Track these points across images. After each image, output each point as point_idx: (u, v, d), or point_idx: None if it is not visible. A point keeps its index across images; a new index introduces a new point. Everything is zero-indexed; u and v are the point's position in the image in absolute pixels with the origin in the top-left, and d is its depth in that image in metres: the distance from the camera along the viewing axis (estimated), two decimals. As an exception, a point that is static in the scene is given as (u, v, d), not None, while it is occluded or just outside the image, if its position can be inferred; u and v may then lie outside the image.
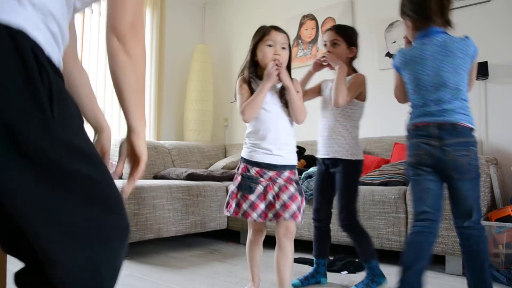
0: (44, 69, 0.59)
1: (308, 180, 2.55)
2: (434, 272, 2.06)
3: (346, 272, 2.15)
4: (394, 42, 3.27)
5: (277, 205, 1.54)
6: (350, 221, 1.84)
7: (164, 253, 2.61)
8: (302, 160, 3.09)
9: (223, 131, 4.54)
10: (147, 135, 4.07)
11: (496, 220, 2.12)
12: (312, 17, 3.84)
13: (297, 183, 1.62)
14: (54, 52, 0.64)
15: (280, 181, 1.57)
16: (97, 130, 1.03)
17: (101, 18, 3.73)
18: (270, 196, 1.56)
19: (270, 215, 1.56)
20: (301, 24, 3.91)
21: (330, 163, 1.88)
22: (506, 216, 2.11)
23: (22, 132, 0.56)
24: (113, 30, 0.73)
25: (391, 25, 3.30)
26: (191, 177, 3.00)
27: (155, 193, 2.53)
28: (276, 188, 1.57)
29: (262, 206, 1.56)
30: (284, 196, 1.55)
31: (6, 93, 0.56)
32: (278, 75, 1.56)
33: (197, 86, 4.26)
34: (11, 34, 0.57)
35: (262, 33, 1.62)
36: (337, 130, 1.86)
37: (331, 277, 2.01)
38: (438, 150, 1.43)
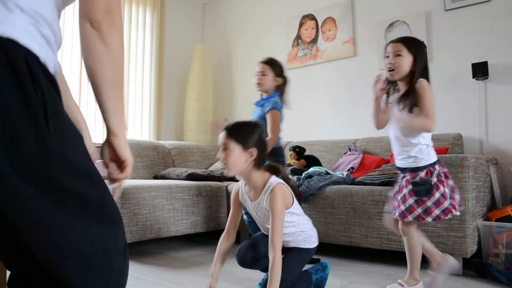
0: (37, 82, 0.56)
1: (308, 180, 2.55)
2: (434, 272, 2.06)
3: None
4: (394, 42, 3.27)
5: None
6: None
7: (164, 253, 2.61)
8: (302, 160, 3.09)
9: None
10: (147, 135, 4.07)
11: (496, 220, 2.13)
12: (312, 17, 3.84)
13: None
14: (50, 58, 0.61)
15: None
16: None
17: (101, 18, 3.73)
18: None
19: None
20: (301, 24, 3.91)
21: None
22: (506, 216, 2.12)
23: (19, 148, 0.54)
24: (86, 16, 0.66)
25: (391, 25, 3.30)
26: (191, 177, 3.00)
27: (155, 193, 2.53)
28: None
29: None
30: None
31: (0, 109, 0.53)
32: None
33: (197, 86, 4.26)
34: (0, 44, 0.53)
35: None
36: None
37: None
38: None
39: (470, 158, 2.03)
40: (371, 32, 3.43)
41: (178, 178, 3.05)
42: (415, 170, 1.69)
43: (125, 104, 3.86)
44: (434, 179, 1.65)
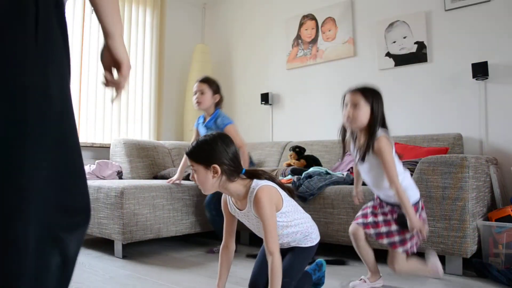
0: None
1: (308, 180, 2.55)
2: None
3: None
4: (394, 42, 3.27)
5: None
6: None
7: (164, 253, 2.61)
8: (302, 160, 3.09)
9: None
10: (147, 135, 4.07)
11: (496, 220, 2.13)
12: (312, 17, 3.84)
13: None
14: None
15: None
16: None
17: (101, 18, 3.73)
18: None
19: None
20: (301, 24, 3.91)
21: None
22: (506, 216, 2.12)
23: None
24: None
25: (391, 25, 3.30)
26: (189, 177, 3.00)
27: (155, 193, 2.53)
28: None
29: None
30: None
31: None
32: None
33: (197, 86, 4.26)
34: None
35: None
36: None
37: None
38: None
39: (470, 158, 2.03)
40: (371, 32, 3.43)
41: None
42: (398, 205, 1.72)
43: (125, 104, 3.86)
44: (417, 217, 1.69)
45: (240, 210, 1.55)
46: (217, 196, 2.20)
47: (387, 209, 1.77)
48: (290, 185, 2.64)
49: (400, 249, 1.69)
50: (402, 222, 1.67)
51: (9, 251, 0.61)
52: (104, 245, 2.75)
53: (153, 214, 2.49)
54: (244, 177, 1.52)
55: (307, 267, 1.77)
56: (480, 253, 2.10)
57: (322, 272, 1.81)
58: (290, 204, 1.57)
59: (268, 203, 1.45)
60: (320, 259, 1.85)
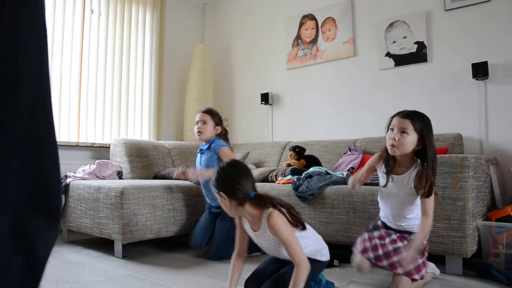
0: None
1: (308, 180, 2.55)
2: (434, 272, 2.06)
3: (337, 261, 2.22)
4: (394, 42, 3.28)
5: None
6: None
7: (164, 253, 2.61)
8: (302, 160, 3.09)
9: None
10: (147, 135, 4.07)
11: (496, 220, 2.12)
12: (312, 17, 3.84)
13: None
14: None
15: None
16: None
17: (101, 18, 3.73)
18: None
19: None
20: (301, 24, 3.91)
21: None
22: (506, 216, 2.12)
23: None
24: None
25: (391, 25, 3.30)
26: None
27: (155, 193, 2.53)
28: None
29: None
30: None
31: None
32: None
33: (197, 86, 4.26)
34: None
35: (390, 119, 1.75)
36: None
37: (324, 270, 2.01)
38: None
39: (470, 158, 2.03)
40: (371, 32, 3.43)
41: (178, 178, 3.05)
42: (410, 233, 1.75)
43: (125, 104, 3.86)
44: (425, 241, 1.73)
45: (253, 231, 1.59)
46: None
47: (395, 236, 1.76)
48: (290, 185, 2.64)
49: (417, 276, 1.66)
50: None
51: None
52: (104, 245, 2.75)
53: (153, 214, 2.49)
54: (253, 201, 1.56)
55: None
56: (480, 253, 2.10)
57: (322, 286, 1.81)
58: (300, 235, 1.59)
59: (283, 222, 1.50)
60: (320, 275, 1.83)
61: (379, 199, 1.89)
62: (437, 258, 2.17)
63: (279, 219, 1.50)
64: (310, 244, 1.63)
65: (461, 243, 1.98)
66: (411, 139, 1.65)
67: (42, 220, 0.63)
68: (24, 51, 0.61)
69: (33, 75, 0.63)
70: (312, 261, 1.61)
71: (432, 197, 1.64)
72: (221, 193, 1.53)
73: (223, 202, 1.55)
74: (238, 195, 1.53)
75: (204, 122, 2.57)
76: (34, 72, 0.64)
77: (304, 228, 1.59)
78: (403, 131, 1.66)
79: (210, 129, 2.57)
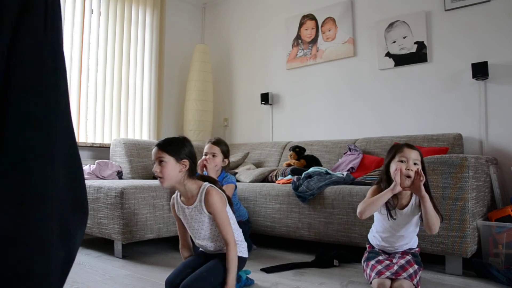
0: None
1: (308, 180, 2.55)
2: (434, 272, 2.06)
3: (337, 261, 2.22)
4: (394, 42, 3.28)
5: None
6: None
7: (164, 253, 2.61)
8: (302, 160, 3.09)
9: (223, 131, 4.54)
10: (147, 135, 4.07)
11: (496, 220, 2.13)
12: (312, 17, 3.84)
13: None
14: None
15: None
16: None
17: (101, 18, 3.73)
18: None
19: None
20: (301, 24, 3.91)
21: None
22: (506, 216, 2.12)
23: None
24: None
25: (391, 25, 3.30)
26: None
27: (155, 193, 2.53)
28: None
29: None
30: None
31: None
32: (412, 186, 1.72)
33: (197, 86, 4.26)
34: None
35: (395, 150, 1.81)
36: None
37: (324, 270, 2.01)
38: None
39: (470, 158, 2.03)
40: (371, 32, 3.43)
41: (178, 178, 3.05)
42: (411, 248, 1.85)
43: (125, 104, 3.86)
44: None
45: (187, 206, 1.72)
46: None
47: (399, 255, 1.81)
48: (289, 185, 2.64)
49: (414, 281, 1.68)
50: (416, 261, 1.75)
51: (22, 244, 0.63)
52: (104, 245, 2.75)
53: (153, 214, 2.49)
54: (197, 179, 1.74)
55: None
56: (480, 253, 2.10)
57: (241, 283, 1.84)
58: (229, 211, 1.76)
59: (219, 198, 1.68)
60: (240, 272, 1.84)
61: (377, 228, 1.90)
62: (437, 258, 2.17)
63: (217, 194, 1.68)
64: (236, 228, 1.77)
65: (461, 243, 1.98)
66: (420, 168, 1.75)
67: (78, 218, 0.73)
68: (62, 63, 0.71)
69: (65, 85, 0.73)
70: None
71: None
72: (185, 160, 1.67)
73: (175, 168, 1.65)
74: (193, 167, 1.71)
75: (214, 155, 2.43)
76: (65, 83, 0.73)
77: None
78: (415, 163, 1.75)
79: (219, 162, 2.45)
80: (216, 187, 1.72)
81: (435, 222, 1.71)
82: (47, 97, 0.67)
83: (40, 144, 0.65)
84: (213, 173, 2.41)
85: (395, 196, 1.78)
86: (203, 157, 2.47)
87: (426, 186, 1.75)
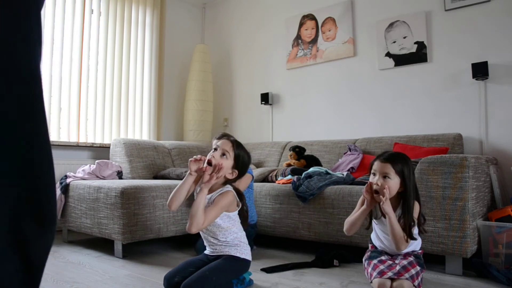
0: None
1: (308, 180, 2.55)
2: (434, 272, 2.06)
3: (337, 261, 2.22)
4: (394, 42, 3.28)
5: None
6: None
7: (164, 253, 2.61)
8: (302, 160, 3.09)
9: (223, 131, 4.54)
10: (147, 135, 4.07)
11: (496, 220, 2.13)
12: (312, 17, 3.84)
13: None
14: None
15: None
16: None
17: (101, 18, 3.73)
18: None
19: None
20: (301, 24, 3.91)
21: None
22: (506, 216, 2.12)
23: None
24: None
25: (391, 25, 3.30)
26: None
27: (155, 193, 2.53)
28: None
29: None
30: None
31: None
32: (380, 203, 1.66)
33: (197, 86, 4.26)
34: None
35: (371, 163, 1.81)
36: None
37: (324, 270, 2.01)
38: None
39: (470, 158, 2.03)
40: (371, 32, 3.43)
41: (178, 178, 3.05)
42: (413, 250, 1.81)
43: (125, 104, 3.86)
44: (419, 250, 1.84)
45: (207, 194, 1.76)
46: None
47: (401, 256, 1.78)
48: (289, 185, 2.64)
49: (416, 282, 1.67)
50: (418, 263, 1.74)
51: None
52: (104, 245, 2.75)
53: (153, 214, 2.49)
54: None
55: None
56: (480, 253, 2.10)
57: (245, 284, 1.84)
58: (237, 217, 1.83)
59: (227, 202, 1.74)
60: (244, 274, 1.85)
61: (376, 236, 1.89)
62: (437, 258, 2.17)
63: (230, 197, 1.75)
64: (239, 231, 1.83)
65: (461, 243, 1.98)
66: (393, 183, 1.68)
67: (36, 226, 0.64)
68: (11, 50, 0.61)
69: (23, 74, 0.63)
70: (234, 258, 1.77)
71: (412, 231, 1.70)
72: (236, 171, 1.78)
73: (229, 171, 1.76)
74: (235, 180, 1.83)
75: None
76: (24, 71, 0.64)
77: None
78: (385, 176, 1.69)
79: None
80: (235, 193, 1.79)
81: (398, 241, 1.65)
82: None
83: None
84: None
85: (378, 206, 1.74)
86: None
87: (408, 193, 1.68)
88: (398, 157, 1.73)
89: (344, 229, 1.82)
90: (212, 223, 1.76)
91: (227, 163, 1.77)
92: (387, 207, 1.64)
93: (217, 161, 1.70)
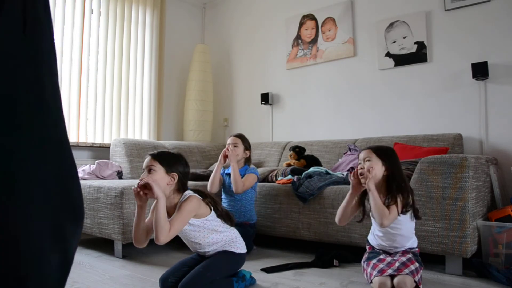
0: None
1: (308, 180, 2.55)
2: (434, 272, 2.06)
3: (337, 261, 2.23)
4: (394, 42, 3.28)
5: None
6: None
7: (164, 253, 2.61)
8: (302, 160, 3.09)
9: (223, 131, 4.54)
10: (147, 135, 4.07)
11: (496, 220, 2.13)
12: (312, 17, 3.84)
13: None
14: None
15: None
16: None
17: (101, 18, 3.73)
18: None
19: None
20: (301, 24, 3.91)
21: None
22: (506, 216, 2.12)
23: None
24: None
25: (391, 25, 3.30)
26: (191, 177, 2.99)
27: (155, 193, 2.53)
28: None
29: None
30: None
31: None
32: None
33: (197, 86, 4.26)
34: None
35: None
36: None
37: (324, 270, 2.01)
38: None
39: (470, 158, 2.03)
40: (371, 32, 3.43)
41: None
42: (409, 248, 1.85)
43: (125, 104, 3.86)
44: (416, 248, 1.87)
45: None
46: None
47: (399, 254, 1.81)
48: (289, 185, 2.64)
49: (416, 278, 1.68)
50: (417, 260, 1.76)
51: (12, 249, 0.61)
52: (104, 245, 2.75)
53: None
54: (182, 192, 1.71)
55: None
56: (480, 253, 2.10)
57: (247, 282, 1.84)
58: (216, 219, 1.77)
59: (190, 207, 1.64)
60: (244, 271, 1.86)
61: (373, 228, 1.92)
62: (437, 258, 2.17)
63: (195, 203, 1.66)
64: (225, 230, 1.80)
65: (461, 243, 1.98)
66: (375, 164, 1.79)
67: (71, 221, 0.71)
68: (47, 58, 0.67)
69: (53, 83, 0.69)
70: (228, 253, 1.77)
71: (395, 210, 1.74)
72: (174, 173, 1.65)
73: (166, 180, 1.64)
74: (183, 183, 1.71)
75: (236, 145, 2.67)
76: (54, 78, 0.69)
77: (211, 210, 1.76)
78: (366, 160, 1.82)
79: (241, 152, 2.67)
80: (199, 197, 1.70)
81: (380, 213, 1.72)
82: (28, 103, 0.62)
83: (23, 146, 0.62)
84: (233, 160, 2.58)
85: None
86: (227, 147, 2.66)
87: (396, 178, 1.78)
88: (379, 146, 1.90)
89: (336, 219, 1.91)
90: (191, 237, 1.74)
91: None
92: (371, 184, 1.74)
93: (147, 180, 1.59)
